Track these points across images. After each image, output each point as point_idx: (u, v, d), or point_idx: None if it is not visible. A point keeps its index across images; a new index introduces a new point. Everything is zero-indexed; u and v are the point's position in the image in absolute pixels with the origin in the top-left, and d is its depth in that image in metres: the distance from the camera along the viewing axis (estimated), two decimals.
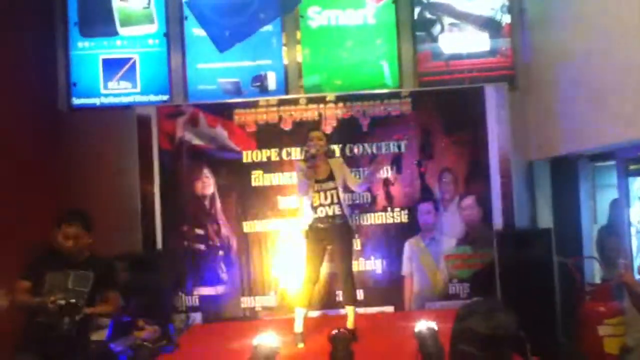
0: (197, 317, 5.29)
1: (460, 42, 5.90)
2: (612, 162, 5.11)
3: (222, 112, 5.46)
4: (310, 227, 4.39)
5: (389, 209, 5.39)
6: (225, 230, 5.38)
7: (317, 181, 4.27)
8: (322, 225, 4.32)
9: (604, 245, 5.10)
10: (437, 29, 5.94)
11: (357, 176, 5.03)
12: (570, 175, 5.33)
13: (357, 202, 5.35)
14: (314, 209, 4.31)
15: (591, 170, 5.48)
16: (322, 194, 4.30)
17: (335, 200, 4.30)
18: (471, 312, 3.54)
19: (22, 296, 3.23)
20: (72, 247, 3.37)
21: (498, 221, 5.32)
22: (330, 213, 4.30)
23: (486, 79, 5.73)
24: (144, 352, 3.55)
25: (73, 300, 3.21)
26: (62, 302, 3.15)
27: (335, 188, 4.31)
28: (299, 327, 4.32)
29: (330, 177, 4.32)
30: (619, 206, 4.89)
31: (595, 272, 5.23)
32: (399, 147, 5.43)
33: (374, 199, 5.40)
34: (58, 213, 3.46)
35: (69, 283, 3.33)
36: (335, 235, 4.33)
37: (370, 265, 5.34)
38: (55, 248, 3.38)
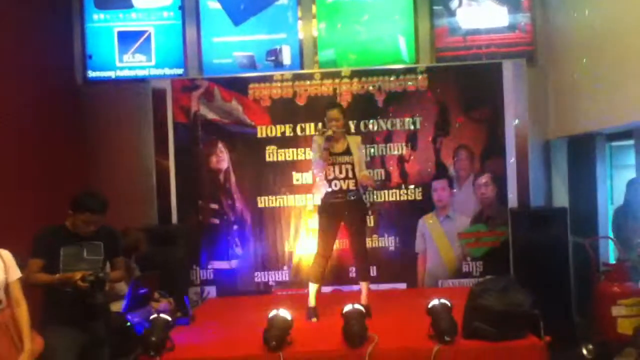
0: (211, 290, 5.36)
1: (479, 17, 5.80)
2: (630, 142, 5.04)
3: (236, 86, 5.44)
4: (323, 202, 4.36)
5: (403, 185, 5.38)
6: (239, 205, 5.41)
7: (332, 154, 4.24)
8: (335, 200, 4.27)
9: (620, 225, 5.05)
10: (454, 3, 5.84)
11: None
12: (588, 155, 5.27)
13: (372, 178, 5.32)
14: (329, 182, 4.27)
15: (608, 149, 5.41)
16: (337, 167, 4.25)
17: (351, 175, 4.26)
18: (485, 289, 3.57)
19: (39, 275, 3.23)
20: (92, 231, 3.39)
21: (513, 199, 5.29)
22: (345, 187, 4.26)
23: (504, 55, 5.65)
24: (160, 323, 3.59)
25: (102, 275, 3.26)
26: (92, 277, 3.20)
27: (351, 163, 4.26)
28: (312, 302, 4.34)
29: (347, 152, 4.27)
30: (636, 186, 4.83)
31: (610, 252, 5.19)
32: (414, 123, 5.39)
33: (388, 175, 5.39)
34: (77, 197, 3.34)
35: (84, 254, 3.37)
36: (348, 210, 4.31)
37: (383, 242, 5.35)
38: (64, 225, 3.37)
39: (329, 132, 4.13)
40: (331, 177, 4.25)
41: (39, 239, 3.32)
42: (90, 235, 3.38)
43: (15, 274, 2.97)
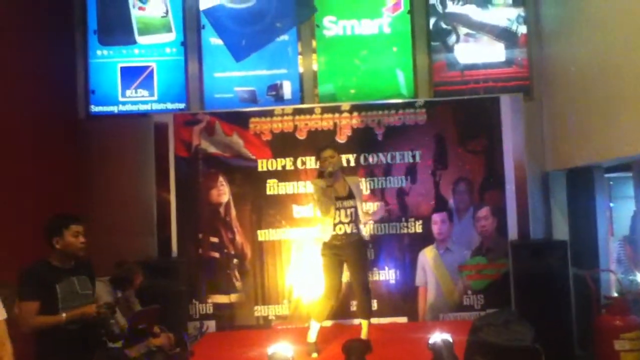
0: (211, 324, 5.32)
1: (476, 52, 5.89)
2: (629, 174, 5.07)
3: (238, 120, 5.50)
4: (325, 244, 4.36)
5: (403, 219, 5.38)
6: (239, 239, 5.40)
7: (337, 198, 4.26)
8: (337, 242, 4.29)
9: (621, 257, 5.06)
10: (452, 39, 5.94)
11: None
12: (586, 187, 5.29)
13: (372, 211, 5.34)
14: (334, 226, 4.28)
15: (607, 181, 5.43)
16: (342, 211, 4.27)
17: (354, 218, 4.30)
18: (487, 323, 3.56)
19: (40, 318, 3.15)
20: (84, 245, 3.34)
21: (513, 232, 5.29)
22: (349, 231, 4.28)
23: (502, 89, 5.72)
24: (159, 358, 3.56)
25: (111, 302, 3.27)
26: (107, 307, 3.22)
27: (355, 206, 4.30)
28: (312, 338, 4.31)
29: (350, 196, 4.31)
30: (637, 218, 4.85)
31: (611, 285, 5.17)
32: (413, 156, 5.43)
33: (388, 208, 5.39)
34: (53, 220, 3.32)
35: (77, 288, 3.33)
36: (350, 250, 4.31)
37: (384, 275, 5.33)
38: (49, 261, 3.31)
39: (330, 169, 4.17)
40: (336, 221, 4.27)
41: (30, 279, 3.22)
42: (75, 269, 3.35)
43: (1, 314, 2.83)
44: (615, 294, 4.88)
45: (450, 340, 3.57)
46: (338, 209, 4.25)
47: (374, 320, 4.74)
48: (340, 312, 5.16)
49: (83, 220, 3.38)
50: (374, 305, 5.11)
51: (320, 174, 4.26)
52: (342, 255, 4.31)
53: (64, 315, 3.18)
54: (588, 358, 4.83)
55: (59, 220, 3.32)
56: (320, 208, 4.29)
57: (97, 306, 3.21)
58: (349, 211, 4.28)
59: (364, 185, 5.29)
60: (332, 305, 4.33)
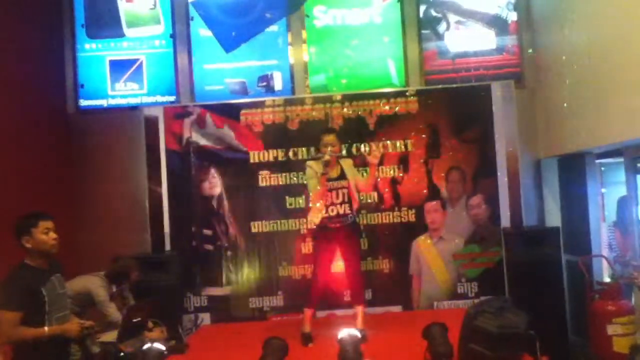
0: (205, 317, 5.31)
1: (467, 40, 5.89)
2: (620, 160, 5.09)
3: (228, 112, 5.47)
4: (319, 227, 4.37)
5: (396, 208, 5.38)
6: (233, 231, 5.39)
7: (329, 180, 4.25)
8: (332, 225, 4.29)
9: (612, 243, 5.09)
10: (443, 27, 5.93)
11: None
12: (578, 173, 5.31)
13: (365, 201, 5.34)
14: (326, 207, 4.28)
15: (599, 167, 5.45)
16: (334, 192, 4.27)
17: (347, 199, 4.29)
18: (481, 311, 3.56)
19: (23, 330, 3.04)
20: (56, 241, 3.21)
21: (506, 220, 5.30)
22: (341, 212, 4.28)
23: (493, 77, 5.73)
24: (154, 352, 3.55)
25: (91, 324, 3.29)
26: (89, 326, 3.25)
27: (347, 187, 4.29)
28: (307, 328, 4.31)
29: (342, 176, 4.30)
30: (628, 203, 4.87)
31: (604, 270, 5.20)
32: (406, 145, 5.42)
33: (381, 197, 5.39)
34: (19, 222, 3.16)
35: (57, 288, 3.25)
36: (344, 235, 4.31)
37: (378, 264, 5.34)
38: (27, 264, 3.18)
39: (327, 157, 4.14)
40: (328, 202, 4.26)
41: (15, 288, 3.09)
42: (51, 267, 3.25)
43: None
44: (608, 280, 4.91)
45: (445, 327, 3.58)
46: (330, 190, 4.24)
47: (369, 310, 4.74)
48: (335, 302, 5.18)
49: (49, 215, 3.25)
50: (369, 294, 5.11)
51: (318, 159, 4.22)
52: (335, 239, 4.31)
53: (46, 329, 3.10)
54: (581, 343, 4.87)
55: (27, 219, 3.18)
56: (312, 192, 4.30)
57: (81, 325, 3.19)
58: (340, 192, 4.26)
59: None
60: (323, 290, 4.33)
